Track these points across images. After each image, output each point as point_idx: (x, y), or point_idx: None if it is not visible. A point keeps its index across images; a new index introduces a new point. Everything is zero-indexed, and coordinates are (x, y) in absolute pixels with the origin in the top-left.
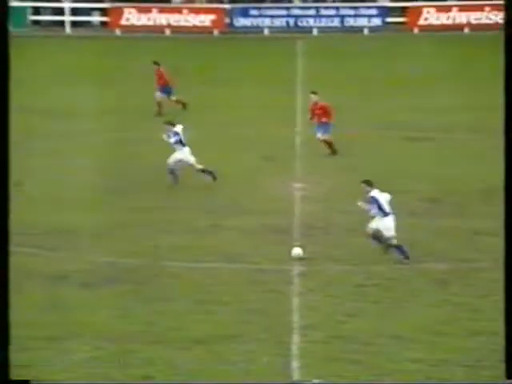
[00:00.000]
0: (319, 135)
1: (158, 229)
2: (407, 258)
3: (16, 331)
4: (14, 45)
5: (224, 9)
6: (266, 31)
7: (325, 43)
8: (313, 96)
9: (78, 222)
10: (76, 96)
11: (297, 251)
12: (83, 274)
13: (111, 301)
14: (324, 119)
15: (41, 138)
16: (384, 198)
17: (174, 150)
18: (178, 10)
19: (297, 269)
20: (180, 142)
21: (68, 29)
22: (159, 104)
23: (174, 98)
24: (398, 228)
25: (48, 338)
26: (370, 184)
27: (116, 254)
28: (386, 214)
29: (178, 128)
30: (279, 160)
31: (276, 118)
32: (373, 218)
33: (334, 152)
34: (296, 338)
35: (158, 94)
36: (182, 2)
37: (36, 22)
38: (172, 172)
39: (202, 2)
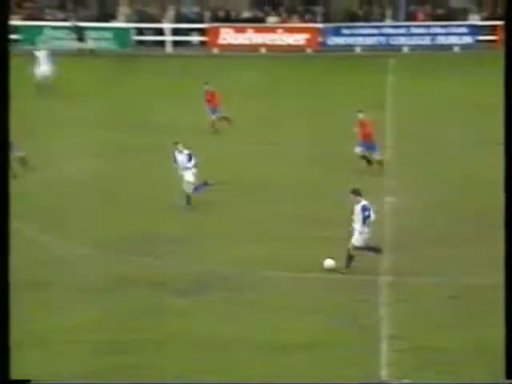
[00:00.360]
0: (358, 150)
1: (250, 239)
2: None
3: (116, 335)
4: (120, 63)
5: (318, 28)
6: (358, 49)
7: (415, 61)
8: (359, 114)
9: (175, 231)
10: (174, 111)
11: (329, 262)
12: (180, 281)
13: (207, 307)
14: (366, 137)
15: (139, 151)
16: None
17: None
18: (274, 30)
19: (386, 280)
20: (188, 163)
21: (169, 48)
22: (216, 121)
23: (216, 117)
24: (489, 241)
25: (149, 341)
26: (358, 193)
27: (211, 263)
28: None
29: (187, 151)
30: (370, 174)
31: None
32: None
33: (371, 164)
34: (384, 347)
35: (208, 112)
36: (276, 22)
37: (140, 42)
38: (197, 188)
39: (295, 22)
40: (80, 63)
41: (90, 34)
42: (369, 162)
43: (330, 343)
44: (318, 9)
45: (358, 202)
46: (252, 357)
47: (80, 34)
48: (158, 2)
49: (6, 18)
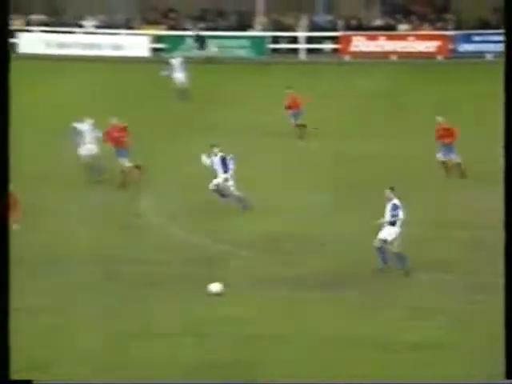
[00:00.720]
0: (439, 155)
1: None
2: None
3: (241, 329)
4: (255, 70)
5: (448, 35)
6: (489, 56)
7: None
8: (438, 118)
9: (309, 231)
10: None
11: (214, 287)
12: (313, 279)
13: (338, 305)
14: (447, 140)
15: (270, 153)
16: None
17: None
18: (404, 37)
19: None
20: (222, 167)
21: (302, 55)
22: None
23: (298, 121)
24: None
25: (276, 335)
26: (393, 191)
27: (342, 262)
28: (395, 224)
29: (220, 154)
30: (488, 176)
31: (489, 137)
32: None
33: (463, 175)
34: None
35: (288, 117)
36: (407, 30)
37: (275, 50)
38: (216, 191)
39: (427, 30)
40: (217, 70)
41: (225, 43)
42: (447, 168)
43: (448, 344)
44: (450, 16)
45: (391, 199)
46: (380, 356)
47: (202, 42)
48: (293, 12)
49: (6, 21)
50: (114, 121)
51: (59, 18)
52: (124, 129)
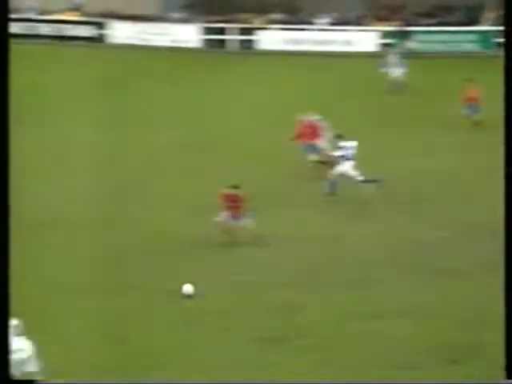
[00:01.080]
0: None
1: None
2: None
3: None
4: (480, 64)
5: None
6: None
7: None
8: None
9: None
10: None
11: (187, 288)
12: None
13: None
14: None
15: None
16: None
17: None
18: None
19: None
20: (343, 156)
21: None
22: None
23: (475, 115)
24: None
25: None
26: None
27: None
28: None
29: (348, 143)
30: None
31: None
32: None
33: None
34: None
35: (464, 110)
36: None
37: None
38: (332, 183)
39: None
40: (441, 65)
41: (452, 38)
42: None
43: None
44: None
45: None
46: None
47: (405, 38)
48: None
49: (6, 18)
50: (308, 117)
51: (296, 17)
52: (315, 125)
